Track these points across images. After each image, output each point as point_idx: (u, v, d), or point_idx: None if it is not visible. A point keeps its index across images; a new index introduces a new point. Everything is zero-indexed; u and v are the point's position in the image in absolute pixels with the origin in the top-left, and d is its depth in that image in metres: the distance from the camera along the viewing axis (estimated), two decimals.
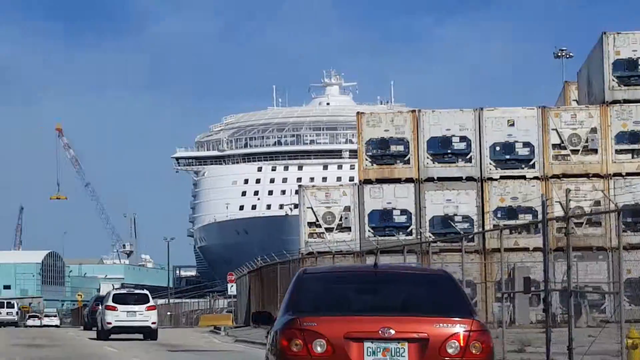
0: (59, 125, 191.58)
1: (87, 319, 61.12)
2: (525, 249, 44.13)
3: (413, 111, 46.64)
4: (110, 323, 42.62)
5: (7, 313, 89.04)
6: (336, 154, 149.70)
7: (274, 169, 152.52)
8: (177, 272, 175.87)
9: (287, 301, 11.68)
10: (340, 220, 48.30)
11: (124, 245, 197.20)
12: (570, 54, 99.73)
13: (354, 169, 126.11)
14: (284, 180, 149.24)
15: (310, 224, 49.15)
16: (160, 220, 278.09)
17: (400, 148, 46.15)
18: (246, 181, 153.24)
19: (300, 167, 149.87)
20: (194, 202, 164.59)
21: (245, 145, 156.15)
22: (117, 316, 42.12)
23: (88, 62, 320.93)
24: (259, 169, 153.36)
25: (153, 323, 42.34)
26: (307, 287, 11.83)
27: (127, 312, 41.75)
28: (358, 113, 47.83)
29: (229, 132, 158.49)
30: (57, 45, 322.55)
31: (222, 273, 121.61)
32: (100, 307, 46.66)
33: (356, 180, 51.36)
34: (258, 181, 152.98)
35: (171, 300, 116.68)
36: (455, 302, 11.40)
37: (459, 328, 10.83)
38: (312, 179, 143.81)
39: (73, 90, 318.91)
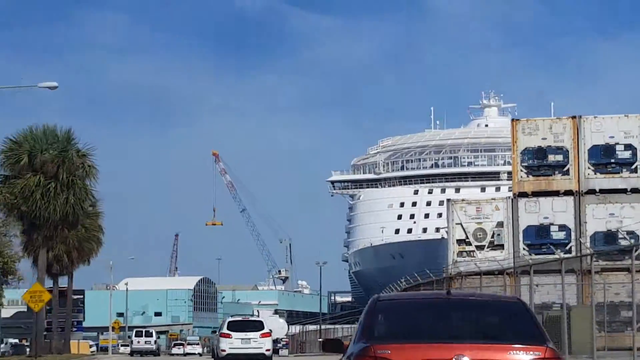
0: (216, 151, 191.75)
1: (213, 347, 61.65)
2: None
3: (573, 117, 42.90)
4: (224, 350, 43.53)
5: (146, 342, 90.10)
6: (494, 175, 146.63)
7: (430, 192, 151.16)
8: (332, 297, 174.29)
9: (360, 328, 11.78)
10: (492, 237, 45.10)
11: (279, 271, 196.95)
12: None
13: (512, 191, 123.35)
14: (441, 203, 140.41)
15: (459, 242, 46.09)
16: (316, 245, 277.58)
17: (559, 158, 42.70)
18: (402, 204, 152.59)
19: (457, 190, 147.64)
20: (349, 226, 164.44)
21: (402, 168, 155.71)
22: (232, 343, 42.90)
23: (246, 85, 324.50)
24: (416, 192, 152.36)
25: (267, 350, 43.13)
26: (381, 314, 11.93)
27: (242, 339, 42.41)
28: (513, 120, 44.75)
29: (385, 155, 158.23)
30: (214, 68, 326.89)
31: None
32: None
33: (510, 194, 48.36)
34: (414, 204, 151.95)
35: (323, 326, 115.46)
36: (528, 330, 11.47)
37: (533, 355, 10.91)
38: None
39: (230, 113, 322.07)
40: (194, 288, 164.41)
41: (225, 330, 44.62)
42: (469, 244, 45.42)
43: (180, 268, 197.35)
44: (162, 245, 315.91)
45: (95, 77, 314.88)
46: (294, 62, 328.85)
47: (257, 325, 44.48)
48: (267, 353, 42.57)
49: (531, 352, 10.95)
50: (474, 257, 44.19)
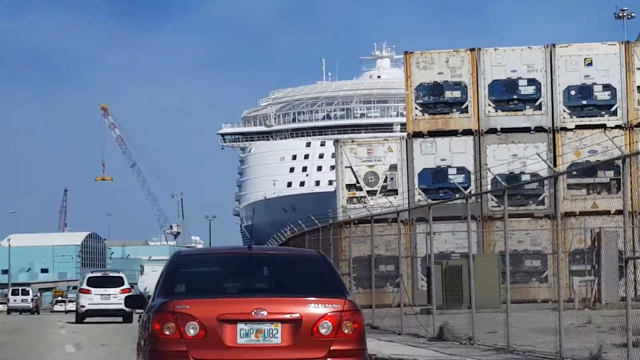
0: (104, 105, 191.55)
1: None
2: (606, 212, 37.45)
3: (472, 50, 39.10)
4: (83, 306, 43.93)
5: (22, 300, 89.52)
6: (387, 127, 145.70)
7: (323, 144, 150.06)
8: None
9: (161, 283, 12.00)
10: (385, 181, 41.83)
11: (170, 227, 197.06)
12: (632, 14, 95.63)
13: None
14: (333, 155, 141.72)
15: (349, 187, 42.85)
16: (209, 200, 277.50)
17: (457, 94, 39.52)
18: (294, 157, 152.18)
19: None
20: (240, 180, 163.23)
21: (294, 120, 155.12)
22: (91, 299, 43.30)
23: (139, 44, 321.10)
24: (308, 144, 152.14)
25: None
26: (181, 269, 12.28)
27: (101, 295, 42.60)
28: (406, 53, 41.00)
29: (276, 107, 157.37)
30: (109, 26, 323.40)
31: None
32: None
33: (404, 135, 44.72)
34: (306, 157, 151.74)
35: None
36: (328, 283, 11.97)
37: (331, 308, 11.38)
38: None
39: (119, 71, 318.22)
40: (82, 244, 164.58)
41: (84, 286, 44.93)
42: (360, 189, 42.20)
43: (70, 224, 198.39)
44: (51, 202, 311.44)
45: None
46: (187, 20, 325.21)
47: (117, 281, 44.35)
48: (127, 309, 41.11)
49: (330, 305, 11.35)
50: (365, 203, 40.67)
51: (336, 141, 49.12)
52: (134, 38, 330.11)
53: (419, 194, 40.26)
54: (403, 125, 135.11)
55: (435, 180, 40.41)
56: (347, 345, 11.29)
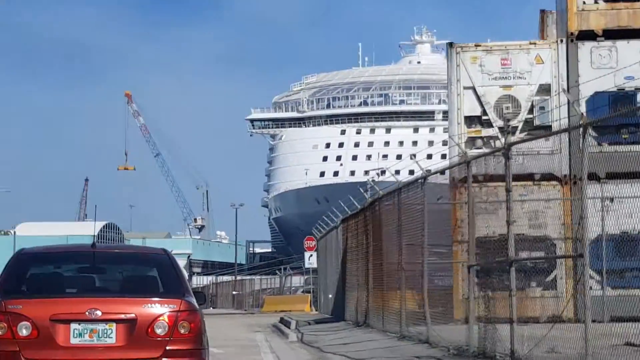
0: (128, 92, 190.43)
1: None
2: None
3: None
4: None
5: None
6: (428, 115, 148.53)
7: (358, 132, 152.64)
8: (251, 247, 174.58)
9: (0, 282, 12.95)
10: (531, 112, 27.31)
11: (195, 220, 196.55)
12: None
13: (447, 132, 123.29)
14: (370, 144, 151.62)
15: (469, 121, 27.77)
16: (236, 192, 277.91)
17: None
18: (328, 145, 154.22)
19: (388, 130, 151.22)
20: (269, 169, 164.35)
21: (328, 106, 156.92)
22: None
23: (165, 37, 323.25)
24: (342, 132, 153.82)
25: None
26: (20, 267, 12.86)
27: None
28: None
29: (309, 92, 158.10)
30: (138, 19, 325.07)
31: (299, 247, 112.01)
32: None
33: (557, 41, 29.19)
34: (341, 145, 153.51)
35: (238, 277, 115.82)
36: (167, 283, 12.64)
37: (167, 308, 11.97)
38: (401, 143, 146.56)
39: (146, 62, 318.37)
40: (98, 234, 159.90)
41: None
42: (488, 124, 27.60)
43: (90, 215, 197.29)
44: (71, 192, 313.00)
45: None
46: (217, 15, 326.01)
47: None
48: None
49: (166, 305, 11.97)
50: (494, 147, 25.83)
51: (450, 45, 31.23)
52: (162, 31, 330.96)
53: (591, 134, 24.94)
54: (445, 112, 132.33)
55: (616, 111, 24.42)
56: (183, 345, 12.00)
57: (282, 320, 40.15)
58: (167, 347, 11.91)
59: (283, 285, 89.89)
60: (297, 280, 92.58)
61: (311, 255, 64.38)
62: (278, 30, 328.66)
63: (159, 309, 11.96)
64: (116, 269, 13.32)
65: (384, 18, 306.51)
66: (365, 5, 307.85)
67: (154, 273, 13.05)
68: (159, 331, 11.87)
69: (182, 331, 11.98)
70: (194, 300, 12.53)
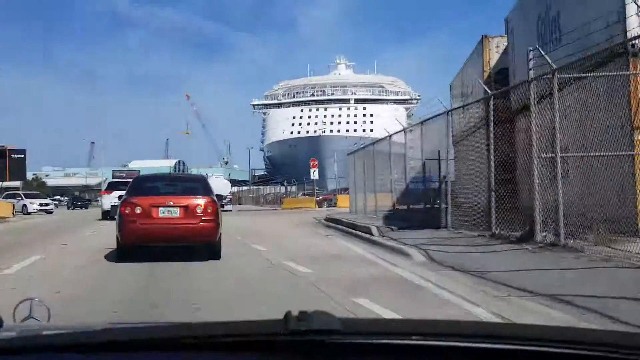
0: (188, 94, 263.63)
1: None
2: None
3: None
4: (105, 205, 48.21)
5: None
6: (346, 102, 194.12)
7: (310, 110, 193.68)
8: (254, 172, 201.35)
9: (127, 189, 19.59)
10: None
11: (223, 159, 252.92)
12: None
13: (356, 110, 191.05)
14: (316, 117, 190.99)
15: None
16: (247, 142, 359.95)
17: None
18: (294, 117, 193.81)
19: (325, 109, 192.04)
20: (263, 131, 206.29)
21: (293, 97, 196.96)
22: (112, 200, 44.89)
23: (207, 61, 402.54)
24: (301, 110, 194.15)
25: None
26: (137, 182, 20.35)
27: (119, 196, 34.38)
28: None
29: (283, 89, 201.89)
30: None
31: (281, 172, 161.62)
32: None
33: None
34: (301, 117, 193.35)
35: (252, 187, 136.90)
36: (204, 189, 19.46)
37: (202, 200, 18.68)
38: (332, 116, 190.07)
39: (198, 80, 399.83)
40: (174, 166, 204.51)
41: (105, 189, 50.41)
42: None
43: (170, 156, 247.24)
44: (158, 146, 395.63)
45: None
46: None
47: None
48: None
49: (202, 199, 18.73)
50: None
51: None
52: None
53: None
54: (357, 100, 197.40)
55: None
56: (209, 217, 18.44)
57: (337, 221, 33.79)
58: (202, 218, 18.54)
59: (289, 191, 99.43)
60: (293, 189, 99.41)
61: (314, 171, 74.51)
62: (268, 60, 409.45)
63: (199, 201, 18.66)
64: (180, 184, 20.20)
65: (324, 48, 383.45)
66: (311, 52, 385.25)
67: (197, 185, 19.78)
68: (198, 210, 18.50)
69: (209, 210, 18.56)
70: (215, 198, 19.13)
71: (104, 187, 52.20)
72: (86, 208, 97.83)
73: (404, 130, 32.56)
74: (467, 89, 32.72)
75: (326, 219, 39.14)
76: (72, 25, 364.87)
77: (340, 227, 32.12)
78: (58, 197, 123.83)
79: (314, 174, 74.21)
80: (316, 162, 76.68)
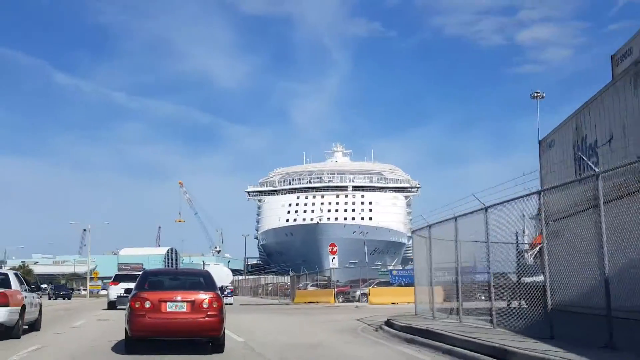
0: (180, 181, 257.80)
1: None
2: None
3: None
4: (112, 296, 49.19)
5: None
6: (344, 189, 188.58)
7: (306, 197, 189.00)
8: (247, 260, 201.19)
9: (136, 284, 20.12)
10: None
11: (215, 247, 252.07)
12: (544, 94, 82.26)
13: (354, 197, 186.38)
14: (313, 204, 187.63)
15: None
16: (241, 230, 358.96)
17: None
18: (290, 204, 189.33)
19: (322, 197, 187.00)
20: (258, 218, 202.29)
21: (289, 184, 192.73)
22: (118, 291, 47.21)
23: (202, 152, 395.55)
24: (298, 197, 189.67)
25: None
26: (144, 277, 20.65)
27: (125, 288, 36.98)
28: None
29: (279, 176, 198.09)
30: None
31: (276, 260, 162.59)
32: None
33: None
34: (297, 205, 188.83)
35: (242, 277, 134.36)
36: (207, 284, 20.14)
37: (207, 296, 19.22)
38: (330, 203, 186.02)
39: (191, 168, 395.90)
40: (165, 254, 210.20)
41: (113, 280, 52.06)
42: None
43: (162, 244, 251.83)
44: (151, 234, 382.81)
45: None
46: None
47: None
48: None
49: (207, 294, 19.22)
50: None
51: None
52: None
53: None
54: (355, 188, 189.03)
55: None
56: (214, 312, 19.01)
57: (440, 337, 20.72)
58: (208, 312, 19.00)
59: (296, 283, 79.18)
60: (302, 279, 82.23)
61: (333, 258, 64.75)
62: (262, 148, 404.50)
63: (204, 296, 19.18)
64: (185, 278, 20.99)
65: (318, 137, 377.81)
66: (306, 140, 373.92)
67: (202, 280, 20.45)
68: (204, 305, 18.96)
69: (214, 305, 19.06)
70: (219, 292, 19.69)
71: (112, 278, 52.74)
72: (69, 299, 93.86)
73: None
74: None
75: (404, 329, 25.10)
76: (68, 115, 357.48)
77: (461, 350, 18.24)
78: (44, 285, 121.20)
79: (334, 262, 65.47)
80: (336, 248, 68.26)
